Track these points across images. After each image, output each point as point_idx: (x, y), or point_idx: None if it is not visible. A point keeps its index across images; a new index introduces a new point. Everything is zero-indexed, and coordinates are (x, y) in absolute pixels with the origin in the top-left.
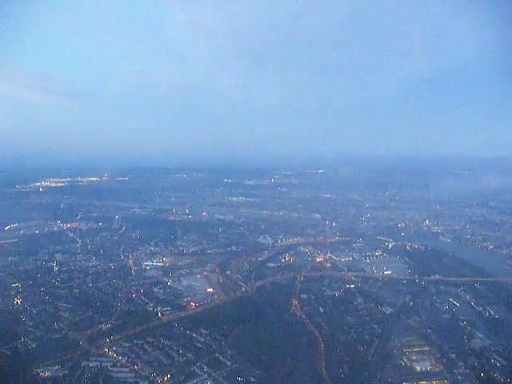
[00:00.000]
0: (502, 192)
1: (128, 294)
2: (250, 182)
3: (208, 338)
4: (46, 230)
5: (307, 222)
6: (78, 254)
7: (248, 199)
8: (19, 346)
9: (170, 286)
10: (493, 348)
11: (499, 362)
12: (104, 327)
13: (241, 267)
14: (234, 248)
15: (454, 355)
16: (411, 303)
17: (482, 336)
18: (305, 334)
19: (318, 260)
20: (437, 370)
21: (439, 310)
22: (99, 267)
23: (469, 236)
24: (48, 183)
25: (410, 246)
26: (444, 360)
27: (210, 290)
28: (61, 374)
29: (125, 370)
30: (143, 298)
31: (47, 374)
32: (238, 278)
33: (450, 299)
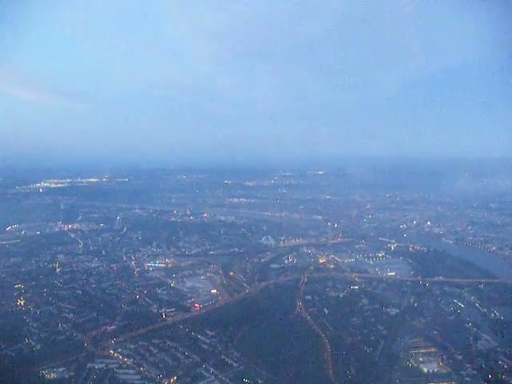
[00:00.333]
0: (502, 193)
1: (131, 295)
2: (250, 183)
3: (213, 339)
4: (48, 230)
5: (309, 224)
6: (80, 255)
7: (248, 200)
8: (24, 347)
9: (174, 288)
10: (499, 349)
11: (507, 363)
12: (108, 328)
13: (244, 268)
14: (236, 249)
15: (460, 357)
16: (416, 304)
17: (487, 337)
18: (310, 336)
19: (320, 261)
20: (444, 371)
21: (444, 311)
22: (101, 268)
23: (471, 237)
24: (48, 184)
25: (413, 248)
26: (451, 361)
27: (214, 291)
28: (66, 376)
29: (131, 371)
30: (147, 300)
31: (53, 375)
32: (242, 279)
33: (455, 300)
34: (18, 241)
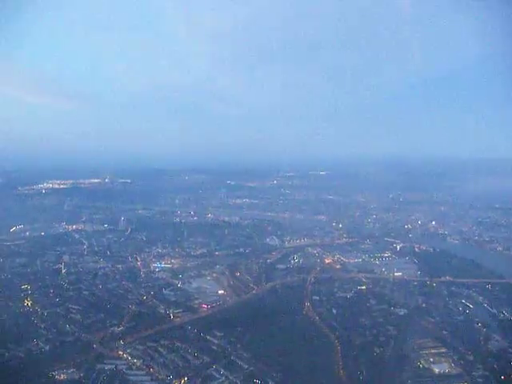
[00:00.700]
0: (506, 193)
1: (138, 295)
2: (253, 184)
3: (222, 340)
4: (52, 231)
5: (313, 224)
6: (86, 255)
7: (252, 201)
8: (32, 348)
9: (180, 288)
10: (511, 350)
11: None
12: (116, 329)
13: (250, 269)
14: (241, 249)
15: (471, 357)
16: (424, 305)
17: (498, 338)
18: (320, 336)
19: (327, 261)
20: (455, 372)
21: (453, 311)
22: (107, 269)
23: (476, 237)
24: (51, 185)
25: (419, 248)
26: (462, 362)
27: (221, 291)
28: (76, 377)
29: (140, 372)
30: (154, 300)
31: (63, 376)
32: (248, 279)
33: (463, 301)
34: (23, 241)
